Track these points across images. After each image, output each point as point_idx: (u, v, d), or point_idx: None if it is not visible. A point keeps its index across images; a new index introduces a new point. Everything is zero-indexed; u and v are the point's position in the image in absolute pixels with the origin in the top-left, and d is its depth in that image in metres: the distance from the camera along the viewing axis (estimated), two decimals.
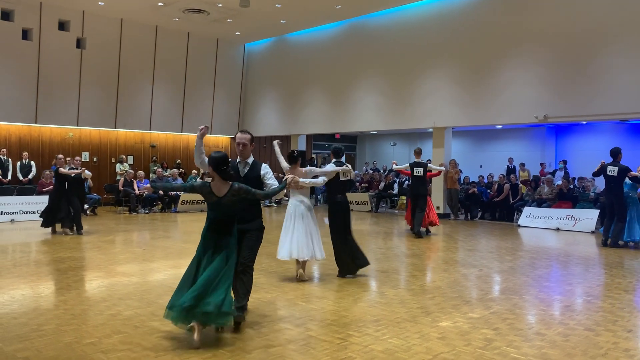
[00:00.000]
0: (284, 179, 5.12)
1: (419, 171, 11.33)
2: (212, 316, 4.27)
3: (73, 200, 11.07)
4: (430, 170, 11.72)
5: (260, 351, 4.24)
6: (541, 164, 17.59)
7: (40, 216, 11.48)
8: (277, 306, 5.65)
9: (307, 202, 6.85)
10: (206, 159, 4.77)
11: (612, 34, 12.28)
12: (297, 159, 6.82)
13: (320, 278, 7.08)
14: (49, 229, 11.24)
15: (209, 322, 4.35)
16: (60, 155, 11.50)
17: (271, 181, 5.01)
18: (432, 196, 15.52)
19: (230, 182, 4.52)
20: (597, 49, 12.49)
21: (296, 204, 6.78)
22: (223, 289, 4.34)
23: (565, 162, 16.45)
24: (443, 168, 13.42)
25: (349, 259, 7.06)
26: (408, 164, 11.52)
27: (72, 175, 11.03)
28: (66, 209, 11.04)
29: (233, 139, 22.08)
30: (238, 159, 5.06)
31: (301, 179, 6.09)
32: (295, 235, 6.64)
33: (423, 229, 11.54)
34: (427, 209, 11.46)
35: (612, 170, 10.06)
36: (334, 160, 7.31)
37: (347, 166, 7.18)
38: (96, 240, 10.30)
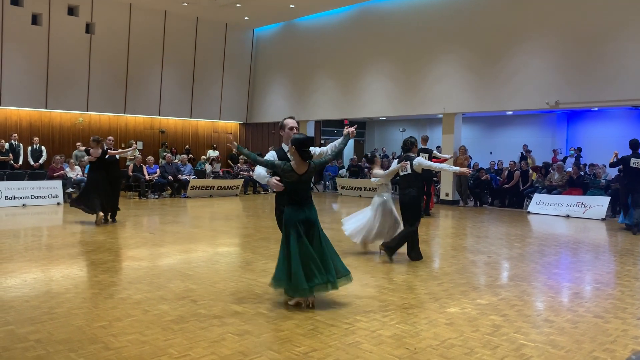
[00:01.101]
0: (345, 132, 5.43)
1: (424, 156, 11.92)
2: (342, 280, 5.05)
3: (110, 186, 10.51)
4: (436, 157, 12.18)
5: (268, 335, 4.28)
6: (553, 151, 17.43)
7: (76, 200, 10.54)
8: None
9: (388, 195, 7.67)
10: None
11: (625, 19, 12.06)
12: (373, 159, 8.20)
13: None
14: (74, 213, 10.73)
15: (338, 284, 5.06)
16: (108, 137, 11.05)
17: (325, 148, 5.56)
18: (441, 182, 15.60)
19: (308, 162, 4.96)
20: (610, 34, 12.28)
21: (377, 199, 7.69)
22: (337, 258, 5.13)
23: (580, 149, 16.28)
24: (449, 156, 13.48)
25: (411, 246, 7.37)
26: None
27: (108, 155, 10.41)
28: (106, 195, 10.42)
29: (242, 124, 22.07)
30: (284, 145, 5.38)
31: (372, 179, 7.74)
32: (368, 222, 7.57)
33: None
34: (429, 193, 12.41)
35: (637, 163, 10.01)
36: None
37: (406, 161, 7.28)
38: (107, 225, 10.37)
